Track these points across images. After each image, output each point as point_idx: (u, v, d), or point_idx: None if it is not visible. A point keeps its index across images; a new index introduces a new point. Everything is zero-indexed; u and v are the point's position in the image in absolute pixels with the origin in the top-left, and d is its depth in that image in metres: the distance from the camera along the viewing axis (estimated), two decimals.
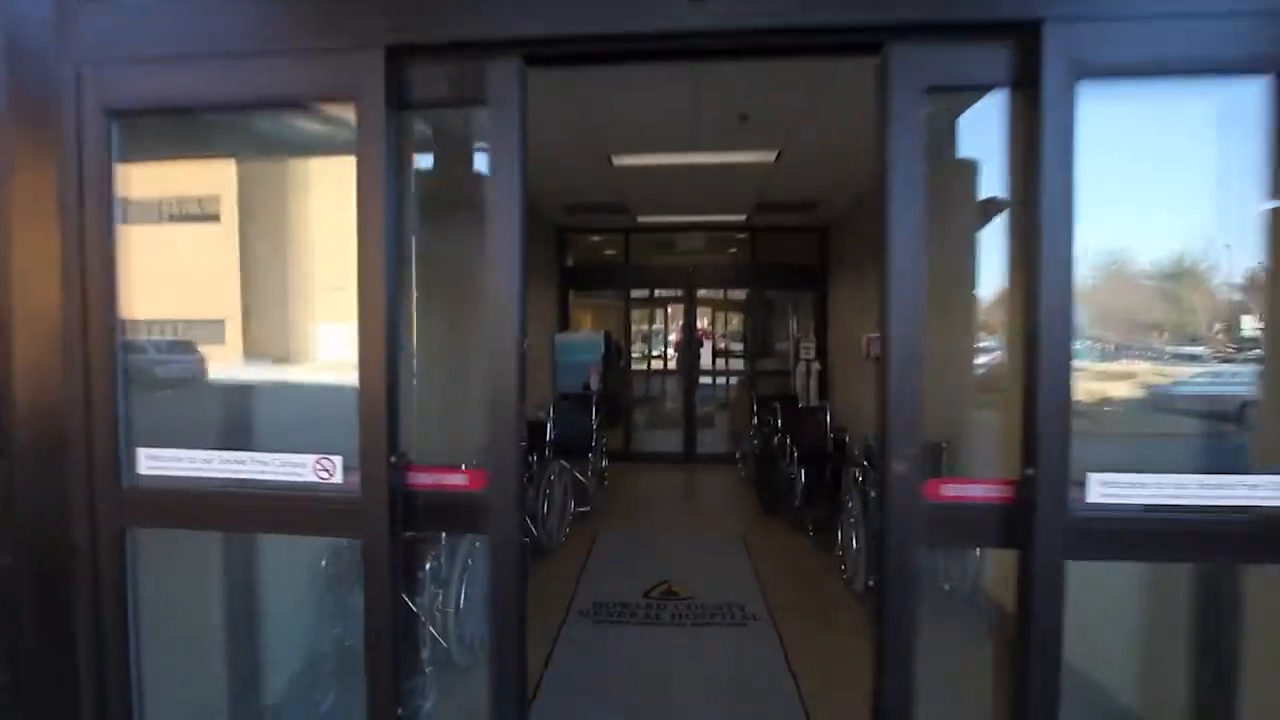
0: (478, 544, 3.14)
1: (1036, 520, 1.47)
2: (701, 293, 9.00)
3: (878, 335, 5.18)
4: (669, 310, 12.22)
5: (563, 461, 5.86)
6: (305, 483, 1.62)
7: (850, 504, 4.00)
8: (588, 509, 5.60)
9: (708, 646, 3.27)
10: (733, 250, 8.69)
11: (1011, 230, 1.65)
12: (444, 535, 2.94)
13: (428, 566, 2.76)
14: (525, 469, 1.63)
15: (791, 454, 5.32)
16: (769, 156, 4.85)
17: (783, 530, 5.25)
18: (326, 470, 1.61)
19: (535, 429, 5.05)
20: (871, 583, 3.76)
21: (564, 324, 8.12)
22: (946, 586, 3.81)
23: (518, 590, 1.61)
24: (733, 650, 3.23)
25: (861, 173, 5.23)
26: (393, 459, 1.59)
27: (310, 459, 1.62)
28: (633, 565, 4.43)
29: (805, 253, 7.96)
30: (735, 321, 11.85)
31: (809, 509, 5.11)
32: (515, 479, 1.60)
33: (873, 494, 3.82)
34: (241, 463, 1.62)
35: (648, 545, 4.88)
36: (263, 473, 1.62)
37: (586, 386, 7.58)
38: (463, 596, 2.92)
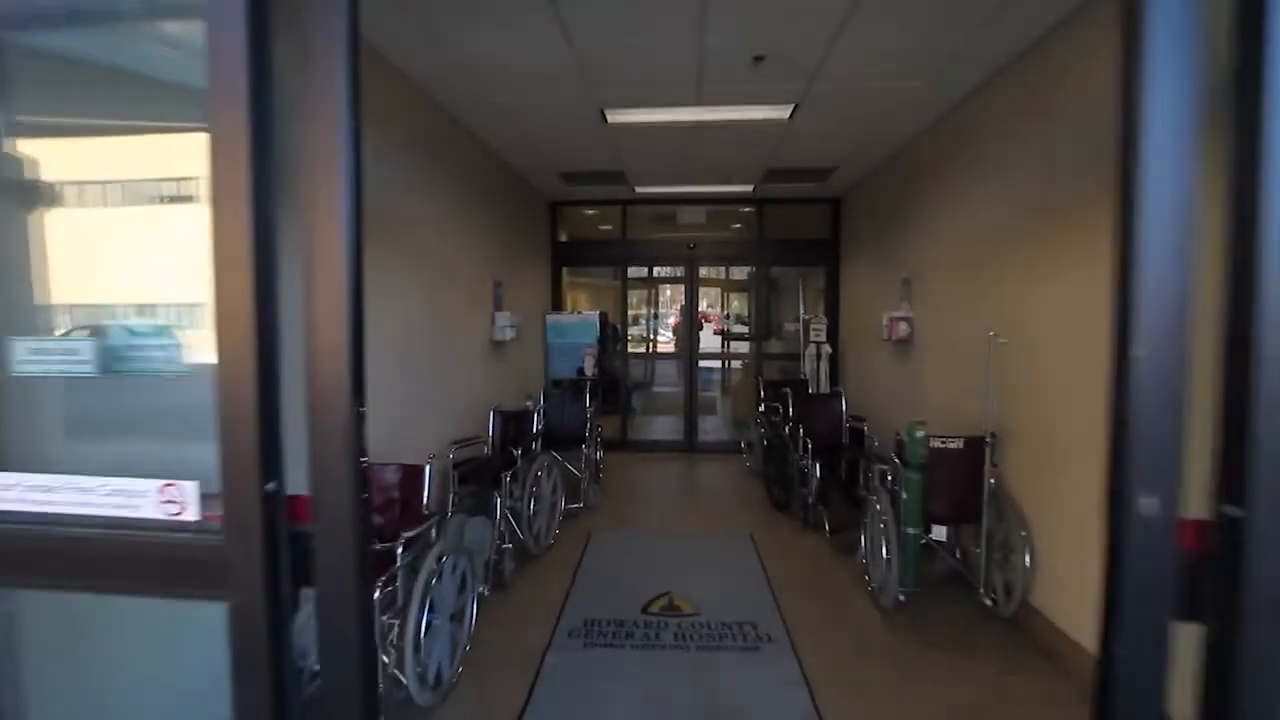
0: (444, 559, 2.64)
1: (1248, 583, 0.96)
2: (703, 271, 8.44)
3: (902, 315, 4.58)
4: (669, 290, 11.68)
5: (554, 453, 5.38)
6: (148, 519, 1.11)
7: (878, 505, 3.51)
8: (580, 505, 5.12)
9: (717, 678, 2.79)
10: (737, 225, 8.14)
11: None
12: (400, 551, 2.44)
13: (374, 596, 2.25)
14: (362, 490, 1.09)
15: (804, 446, 4.82)
16: (783, 112, 4.29)
17: (795, 529, 4.77)
18: (176, 501, 1.10)
19: (520, 420, 4.55)
20: (902, 596, 3.29)
21: (557, 304, 7.59)
22: (989, 601, 3.34)
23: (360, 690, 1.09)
24: (747, 683, 2.75)
25: (890, 131, 4.67)
26: (270, 486, 1.08)
27: (153, 486, 1.10)
28: (630, 572, 3.95)
29: (816, 226, 7.42)
30: (739, 301, 11.33)
31: (825, 506, 4.62)
32: (352, 511, 1.08)
33: (905, 496, 3.33)
34: (51, 490, 1.11)
35: (646, 547, 4.40)
36: (85, 505, 1.11)
37: (581, 371, 7.08)
38: (424, 626, 2.42)
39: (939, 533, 3.41)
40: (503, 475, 3.90)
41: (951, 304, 4.21)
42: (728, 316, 10.23)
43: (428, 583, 2.46)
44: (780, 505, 5.23)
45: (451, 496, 3.84)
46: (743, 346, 9.96)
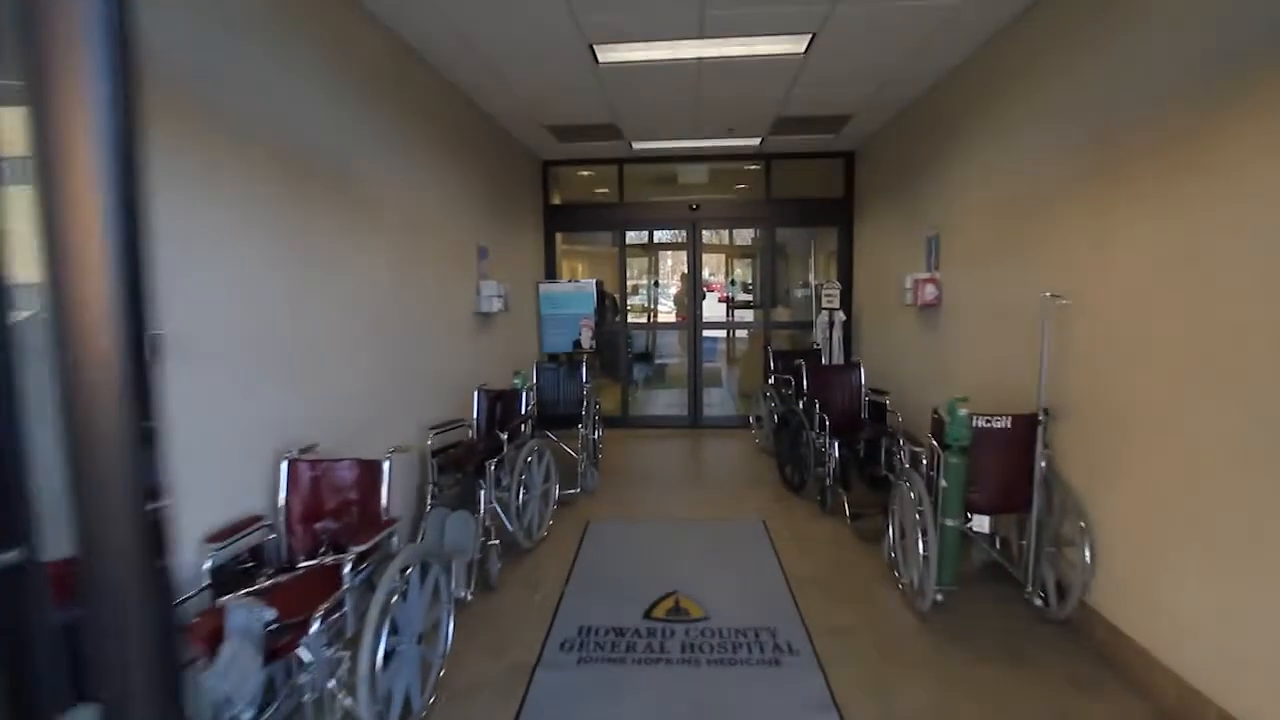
0: (409, 570, 2.24)
1: None
2: (706, 236, 7.95)
3: (928, 277, 4.07)
4: (670, 260, 11.16)
5: (549, 434, 4.98)
6: None
7: (910, 493, 3.09)
8: (577, 490, 4.72)
9: (733, 700, 2.41)
10: (741, 186, 7.60)
11: None
12: (347, 570, 2.03)
13: (315, 628, 1.85)
14: (158, 552, 0.61)
15: (821, 422, 4.40)
16: (799, 45, 3.75)
17: (811, 514, 4.37)
18: None
19: (508, 400, 4.12)
20: (940, 597, 2.89)
21: (551, 273, 7.11)
22: (1039, 601, 2.94)
23: None
24: (768, 706, 2.37)
25: (919, 67, 4.11)
26: (7, 554, 0.64)
27: None
28: (631, 567, 3.56)
29: (827, 184, 6.89)
30: (745, 267, 10.83)
31: (844, 489, 4.21)
32: (141, 585, 0.63)
33: (944, 484, 2.91)
34: None
35: (649, 537, 4.01)
36: None
37: (578, 344, 6.64)
38: (384, 653, 2.02)
39: (980, 523, 2.99)
40: (487, 463, 3.48)
41: (990, 263, 3.73)
42: (733, 283, 9.73)
43: (386, 602, 2.05)
44: (794, 486, 4.83)
45: (430, 488, 3.44)
46: (748, 315, 9.50)
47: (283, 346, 2.55)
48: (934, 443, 2.98)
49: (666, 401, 8.36)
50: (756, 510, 4.47)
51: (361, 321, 3.20)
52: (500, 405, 4.14)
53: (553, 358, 6.92)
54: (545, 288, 6.61)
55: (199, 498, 2.09)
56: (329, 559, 2.18)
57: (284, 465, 2.35)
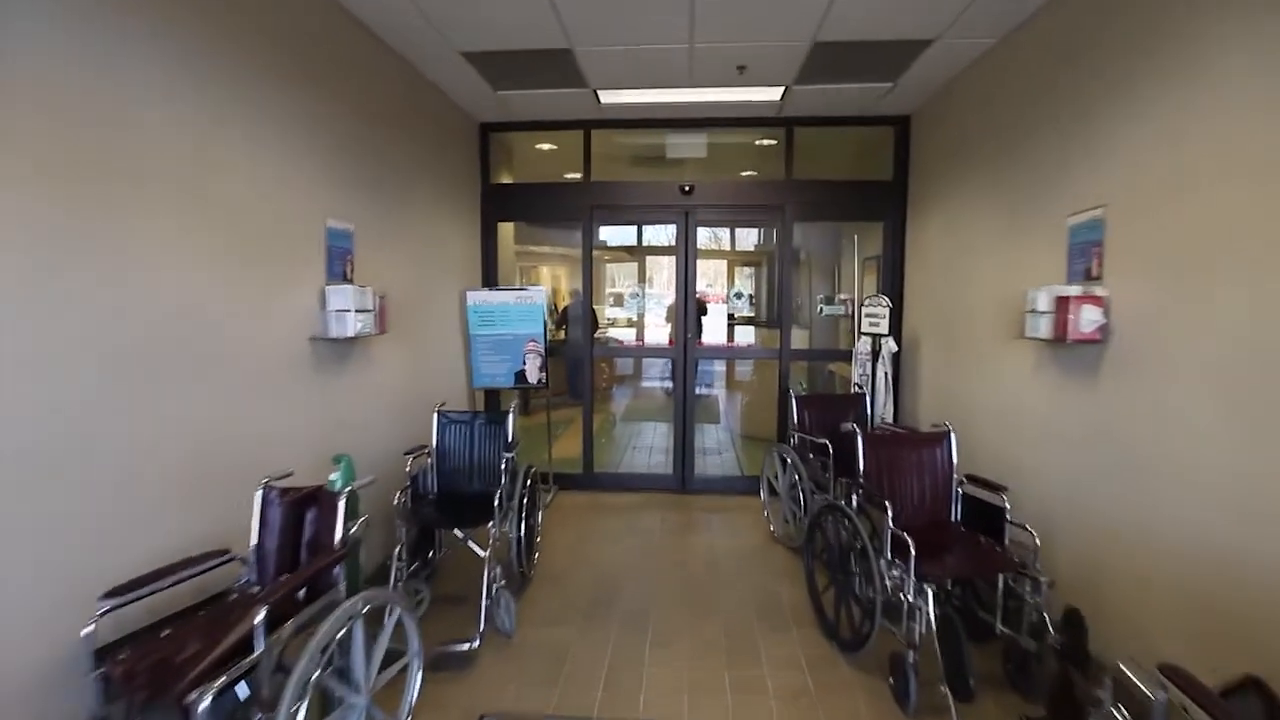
0: None
1: None
2: (704, 238, 6.06)
3: (1085, 294, 1.89)
4: (665, 268, 9.27)
5: (459, 531, 3.09)
6: None
7: None
8: (474, 643, 2.77)
9: None
10: (749, 173, 5.74)
11: None
12: None
13: None
14: None
15: (896, 543, 2.50)
16: None
17: (885, 714, 2.45)
18: None
19: (323, 510, 2.18)
20: None
21: (490, 276, 5.20)
22: None
23: None
24: None
25: None
26: None
27: None
28: None
29: (871, 161, 5.03)
30: (754, 275, 8.95)
31: (956, 692, 2.29)
32: None
33: None
34: None
35: None
36: None
37: (522, 376, 4.76)
38: None
39: None
40: (223, 672, 1.56)
41: (1270, 264, 1.85)
42: (738, 296, 7.83)
43: None
44: (842, 639, 2.90)
45: None
46: (750, 334, 7.63)
47: None
48: None
49: (646, 444, 6.47)
50: (783, 698, 2.55)
51: None
52: (315, 521, 2.21)
53: (489, 395, 5.04)
54: (475, 298, 4.71)
55: None
56: None
57: None
